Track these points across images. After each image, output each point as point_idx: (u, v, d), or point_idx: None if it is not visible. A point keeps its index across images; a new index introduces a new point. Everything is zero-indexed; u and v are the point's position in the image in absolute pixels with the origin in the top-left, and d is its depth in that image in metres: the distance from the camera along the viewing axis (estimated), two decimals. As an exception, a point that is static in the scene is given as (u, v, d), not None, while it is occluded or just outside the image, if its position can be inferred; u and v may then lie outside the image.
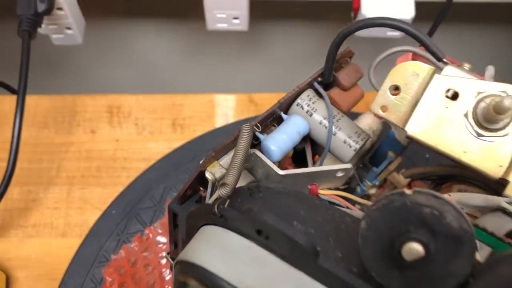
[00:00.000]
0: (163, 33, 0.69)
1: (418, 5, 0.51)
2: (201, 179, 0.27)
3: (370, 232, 0.19)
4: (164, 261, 0.44)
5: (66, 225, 0.48)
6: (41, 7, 0.48)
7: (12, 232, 0.48)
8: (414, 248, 0.18)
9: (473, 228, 0.18)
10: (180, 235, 0.29)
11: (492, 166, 0.24)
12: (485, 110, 0.23)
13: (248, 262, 0.21)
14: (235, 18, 0.53)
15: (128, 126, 0.53)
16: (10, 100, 0.54)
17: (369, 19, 0.27)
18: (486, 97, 0.24)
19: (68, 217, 0.49)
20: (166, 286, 0.43)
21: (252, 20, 0.55)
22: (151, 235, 0.45)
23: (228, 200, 0.23)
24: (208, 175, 0.27)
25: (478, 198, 0.23)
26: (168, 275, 0.44)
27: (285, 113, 0.30)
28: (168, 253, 0.34)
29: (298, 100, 0.30)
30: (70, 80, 0.74)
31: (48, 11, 0.49)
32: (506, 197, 0.23)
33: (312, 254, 0.20)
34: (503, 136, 0.24)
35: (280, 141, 0.28)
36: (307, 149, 0.31)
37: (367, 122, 0.33)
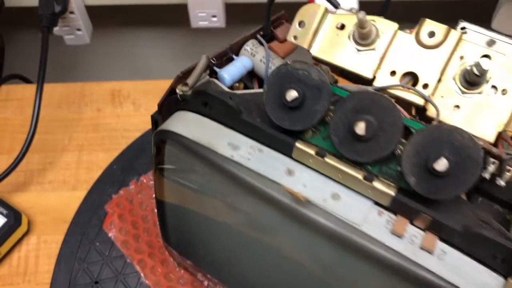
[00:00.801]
0: (156, 37, 0.82)
1: (362, 4, 0.63)
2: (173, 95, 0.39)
3: (268, 91, 0.30)
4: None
5: (76, 181, 0.59)
6: (57, 9, 0.61)
7: (32, 187, 0.59)
8: (292, 92, 0.29)
9: (330, 83, 0.29)
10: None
11: (367, 70, 0.35)
12: (357, 31, 0.35)
13: (199, 127, 0.33)
14: (214, 16, 0.65)
15: (127, 105, 0.65)
16: (30, 88, 0.66)
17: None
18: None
19: (78, 175, 0.60)
20: (156, 219, 0.53)
21: (230, 21, 0.67)
22: (145, 180, 0.56)
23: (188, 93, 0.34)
24: (178, 90, 0.38)
25: (352, 87, 0.34)
26: (158, 212, 0.54)
27: (236, 55, 0.42)
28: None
29: (245, 46, 0.42)
30: (79, 76, 0.86)
31: (63, 12, 0.62)
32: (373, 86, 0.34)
33: (238, 112, 0.31)
34: (373, 49, 0.35)
35: (231, 71, 0.40)
36: (254, 83, 0.42)
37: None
